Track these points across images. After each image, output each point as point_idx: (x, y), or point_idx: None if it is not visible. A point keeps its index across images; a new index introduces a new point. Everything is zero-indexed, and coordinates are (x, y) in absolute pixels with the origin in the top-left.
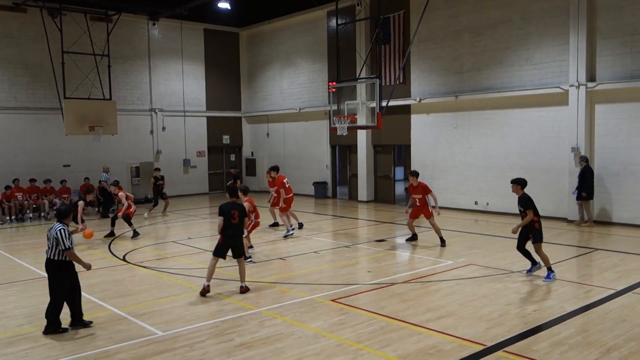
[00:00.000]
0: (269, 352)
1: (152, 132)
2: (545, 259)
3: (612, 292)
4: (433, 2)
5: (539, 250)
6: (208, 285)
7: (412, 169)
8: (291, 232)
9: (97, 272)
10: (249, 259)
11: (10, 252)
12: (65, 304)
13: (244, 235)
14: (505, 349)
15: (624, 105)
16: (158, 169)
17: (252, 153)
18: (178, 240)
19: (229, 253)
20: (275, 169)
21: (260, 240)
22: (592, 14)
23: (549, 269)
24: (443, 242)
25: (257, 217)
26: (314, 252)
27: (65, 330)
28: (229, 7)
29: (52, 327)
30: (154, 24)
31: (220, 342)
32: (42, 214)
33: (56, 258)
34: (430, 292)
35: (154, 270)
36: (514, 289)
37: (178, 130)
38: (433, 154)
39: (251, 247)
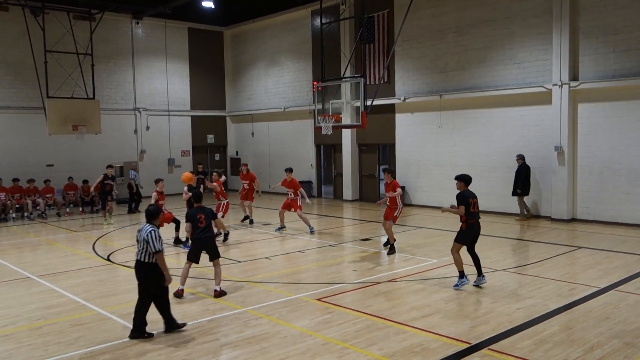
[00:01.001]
0: (255, 352)
1: (136, 131)
2: (456, 262)
3: (595, 290)
4: (417, 2)
5: (454, 251)
6: (182, 289)
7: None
8: (313, 230)
9: (81, 272)
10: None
11: None
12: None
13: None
14: (490, 347)
15: (606, 105)
16: (110, 166)
17: (236, 152)
18: (163, 240)
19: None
20: (289, 170)
21: (245, 239)
22: (574, 13)
23: (461, 274)
24: (391, 249)
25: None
26: (299, 251)
27: (150, 335)
28: (213, 6)
29: (137, 332)
30: (137, 23)
31: (206, 341)
32: (25, 214)
33: (146, 260)
34: (415, 291)
35: None
36: (498, 287)
37: (162, 130)
38: (417, 153)
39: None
